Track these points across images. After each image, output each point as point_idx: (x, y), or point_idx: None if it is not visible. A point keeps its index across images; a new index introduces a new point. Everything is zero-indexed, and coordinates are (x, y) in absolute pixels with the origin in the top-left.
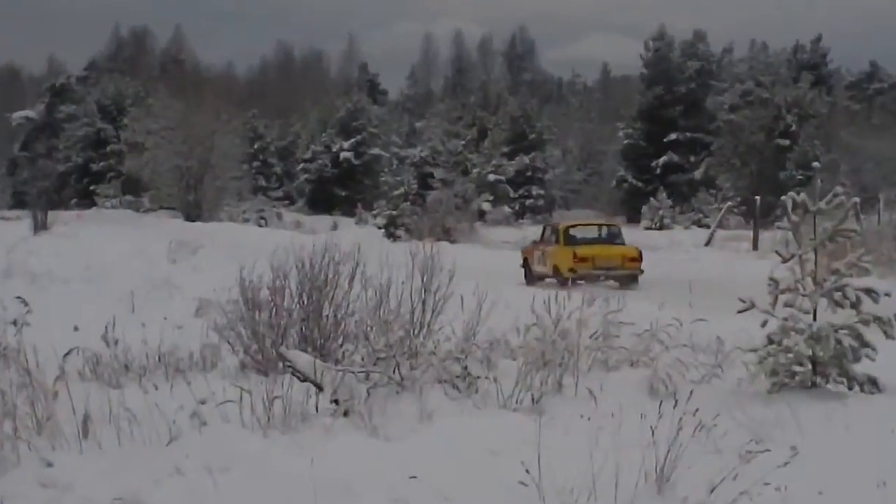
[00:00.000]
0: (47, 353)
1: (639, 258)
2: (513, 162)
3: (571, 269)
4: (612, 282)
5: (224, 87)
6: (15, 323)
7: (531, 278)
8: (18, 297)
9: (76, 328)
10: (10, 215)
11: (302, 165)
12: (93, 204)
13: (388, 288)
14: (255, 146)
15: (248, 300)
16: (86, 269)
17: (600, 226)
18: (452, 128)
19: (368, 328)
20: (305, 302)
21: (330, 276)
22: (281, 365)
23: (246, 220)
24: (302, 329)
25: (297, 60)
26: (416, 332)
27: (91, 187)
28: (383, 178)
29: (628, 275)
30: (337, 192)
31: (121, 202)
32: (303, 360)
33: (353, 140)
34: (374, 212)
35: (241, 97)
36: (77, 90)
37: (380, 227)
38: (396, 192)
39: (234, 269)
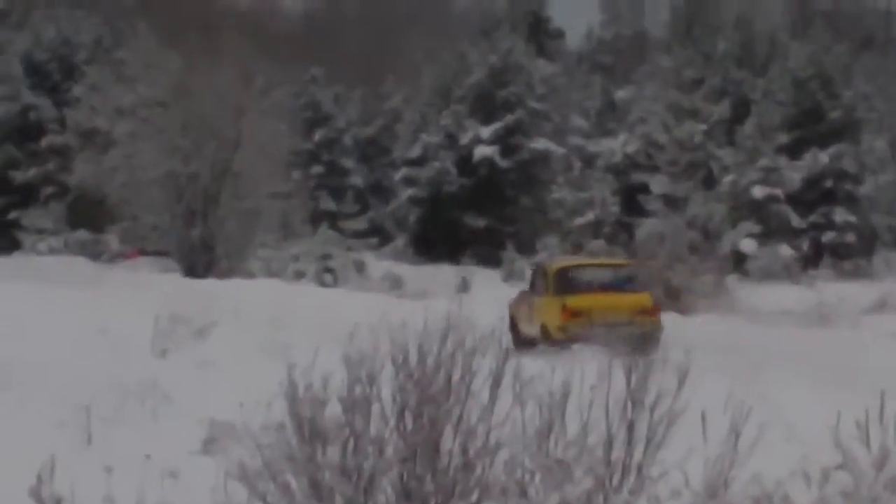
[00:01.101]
0: None
1: (656, 309)
2: (799, 162)
3: (562, 329)
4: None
5: (259, 25)
6: None
7: (519, 343)
8: None
9: None
10: None
11: (403, 172)
12: (15, 245)
13: (565, 401)
14: (316, 137)
15: (304, 425)
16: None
17: (607, 265)
18: (684, 99)
19: (527, 475)
20: (408, 427)
21: (455, 378)
22: None
23: (299, 275)
24: (403, 477)
25: None
26: (615, 481)
27: (11, 214)
28: (555, 195)
29: (642, 333)
30: (467, 221)
31: (66, 242)
32: None
33: (497, 125)
34: (538, 257)
35: (290, 45)
36: None
37: None
38: (580, 221)
39: (275, 367)
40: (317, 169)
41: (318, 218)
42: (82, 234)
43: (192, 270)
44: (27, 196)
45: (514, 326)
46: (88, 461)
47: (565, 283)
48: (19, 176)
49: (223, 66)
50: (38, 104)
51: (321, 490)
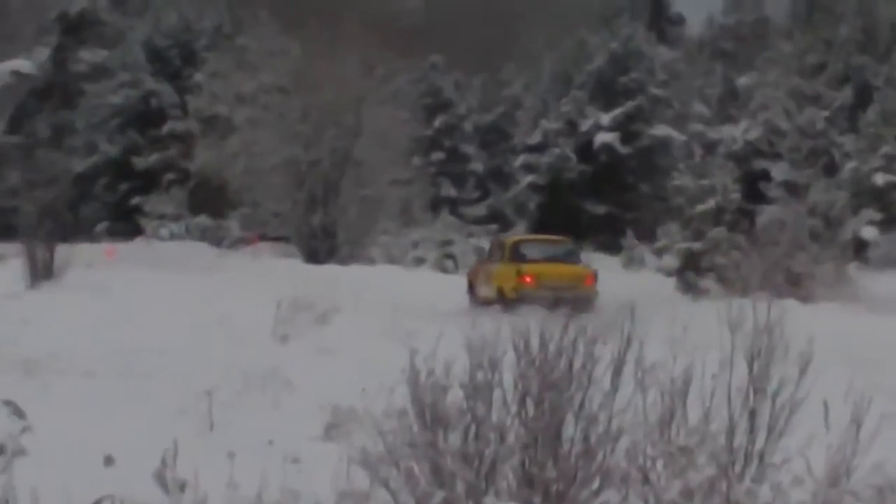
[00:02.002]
0: None
1: (594, 278)
2: None
3: (515, 290)
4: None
5: (380, 13)
6: (1, 450)
7: (476, 303)
8: (6, 403)
9: (108, 460)
10: None
11: (523, 159)
12: (137, 231)
13: (687, 388)
14: (437, 124)
15: (426, 411)
16: (123, 354)
17: (554, 241)
18: (806, 86)
19: (649, 462)
20: (530, 414)
21: (576, 365)
22: None
23: (419, 261)
24: (524, 463)
25: None
26: (738, 468)
27: (133, 200)
28: (676, 182)
29: (582, 297)
30: (587, 207)
31: (187, 228)
32: None
33: (618, 111)
34: (659, 244)
35: (410, 33)
36: (109, 22)
37: (669, 274)
38: (701, 208)
39: (397, 353)
40: (437, 155)
41: (438, 204)
42: (203, 220)
43: (313, 256)
44: (149, 182)
45: (471, 289)
46: (211, 447)
47: (519, 253)
48: (141, 162)
49: (344, 53)
50: (160, 90)
51: (443, 476)
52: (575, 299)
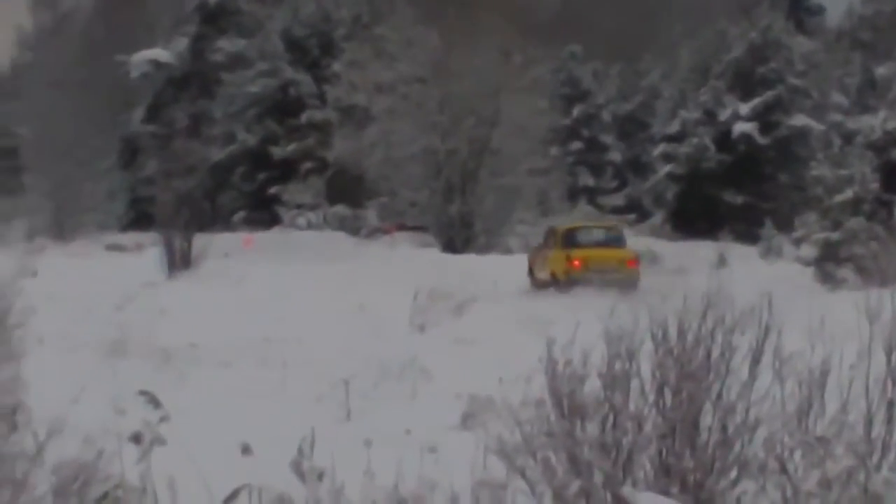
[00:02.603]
0: (195, 495)
1: (637, 262)
2: None
3: (566, 273)
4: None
5: (518, 5)
6: (138, 439)
7: (535, 285)
8: (143, 392)
9: (246, 449)
10: (127, 242)
11: (661, 149)
12: (274, 220)
13: (825, 378)
14: (575, 113)
15: (563, 400)
16: (260, 343)
17: (601, 227)
18: None
19: (786, 452)
20: (667, 403)
21: (714, 355)
22: None
23: None
24: (662, 453)
25: None
26: (875, 459)
27: (271, 189)
28: (814, 173)
29: (625, 279)
30: (726, 197)
31: (325, 217)
32: None
33: (756, 101)
34: (797, 234)
35: (548, 23)
36: (248, 12)
37: (807, 264)
38: (839, 198)
39: (534, 344)
40: (575, 145)
41: (576, 194)
42: (341, 210)
43: (450, 246)
44: (287, 171)
45: (531, 272)
46: (348, 435)
47: (569, 240)
48: (279, 151)
49: (482, 43)
50: (298, 80)
51: (580, 465)
52: (619, 281)
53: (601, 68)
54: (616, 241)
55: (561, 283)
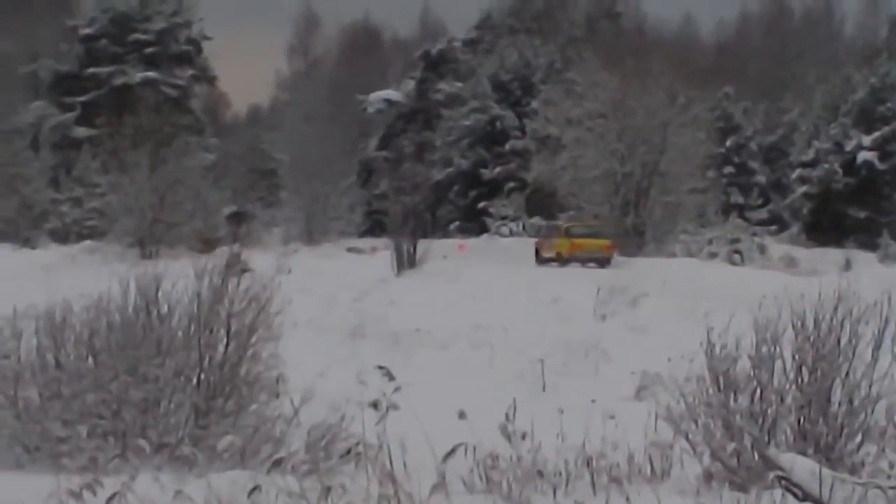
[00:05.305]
0: (420, 452)
1: (612, 247)
2: None
3: (569, 252)
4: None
5: (681, 54)
6: (376, 406)
7: (539, 261)
8: (380, 367)
9: (461, 415)
10: (363, 246)
11: (798, 172)
12: (482, 229)
13: None
14: (728, 143)
15: (720, 377)
16: (472, 329)
17: (589, 225)
18: None
19: None
20: (805, 380)
21: (843, 341)
22: (769, 475)
23: (712, 255)
24: (800, 421)
25: (794, 14)
26: None
27: (480, 204)
28: None
29: (604, 257)
30: (851, 212)
31: (524, 227)
32: (801, 467)
33: (877, 134)
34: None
35: (706, 70)
36: (463, 60)
37: None
38: None
39: (694, 330)
40: (728, 169)
41: (728, 209)
42: (537, 221)
43: (625, 251)
44: (493, 189)
45: (537, 254)
46: (543, 405)
47: (569, 232)
48: (487, 173)
49: (652, 86)
50: (503, 115)
51: (733, 430)
52: (599, 258)
53: (750, 106)
54: (599, 234)
55: (563, 259)
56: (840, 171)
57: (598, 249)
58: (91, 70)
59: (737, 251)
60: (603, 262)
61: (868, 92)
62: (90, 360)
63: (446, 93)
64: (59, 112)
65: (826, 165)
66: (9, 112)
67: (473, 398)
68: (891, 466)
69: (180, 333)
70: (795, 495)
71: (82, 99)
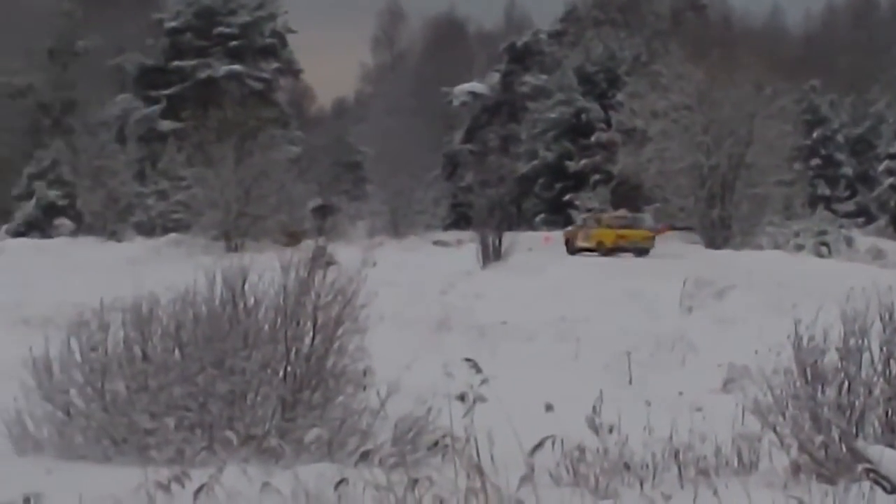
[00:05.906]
0: (508, 444)
1: (652, 237)
2: None
3: (612, 242)
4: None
5: (768, 46)
6: (463, 398)
7: (572, 251)
8: (467, 360)
9: (549, 407)
10: (449, 238)
11: (885, 164)
12: (568, 221)
13: None
14: (815, 135)
15: (807, 369)
16: (558, 321)
17: (629, 217)
18: None
19: None
20: (893, 373)
21: None
22: (857, 468)
23: (799, 248)
24: (888, 413)
25: (881, 5)
26: None
27: (566, 196)
28: None
29: (644, 247)
30: None
31: None
32: (889, 459)
33: None
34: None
35: (793, 62)
36: (548, 52)
37: None
38: None
39: (782, 322)
40: (814, 161)
41: (815, 201)
42: (623, 214)
43: (712, 243)
44: (579, 181)
45: (567, 243)
46: (630, 397)
47: (611, 222)
48: (573, 165)
49: (738, 77)
50: (589, 108)
51: (820, 423)
52: (639, 248)
53: (836, 99)
54: (637, 225)
55: (607, 249)
56: None
57: (640, 240)
58: (176, 63)
59: (824, 243)
60: (642, 252)
61: None
62: (177, 352)
63: (531, 85)
64: (145, 105)
65: None
66: (95, 105)
67: (560, 391)
68: None
69: (266, 326)
70: (884, 488)
71: (167, 92)
